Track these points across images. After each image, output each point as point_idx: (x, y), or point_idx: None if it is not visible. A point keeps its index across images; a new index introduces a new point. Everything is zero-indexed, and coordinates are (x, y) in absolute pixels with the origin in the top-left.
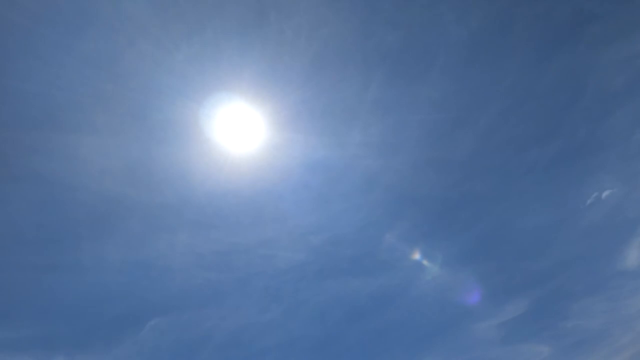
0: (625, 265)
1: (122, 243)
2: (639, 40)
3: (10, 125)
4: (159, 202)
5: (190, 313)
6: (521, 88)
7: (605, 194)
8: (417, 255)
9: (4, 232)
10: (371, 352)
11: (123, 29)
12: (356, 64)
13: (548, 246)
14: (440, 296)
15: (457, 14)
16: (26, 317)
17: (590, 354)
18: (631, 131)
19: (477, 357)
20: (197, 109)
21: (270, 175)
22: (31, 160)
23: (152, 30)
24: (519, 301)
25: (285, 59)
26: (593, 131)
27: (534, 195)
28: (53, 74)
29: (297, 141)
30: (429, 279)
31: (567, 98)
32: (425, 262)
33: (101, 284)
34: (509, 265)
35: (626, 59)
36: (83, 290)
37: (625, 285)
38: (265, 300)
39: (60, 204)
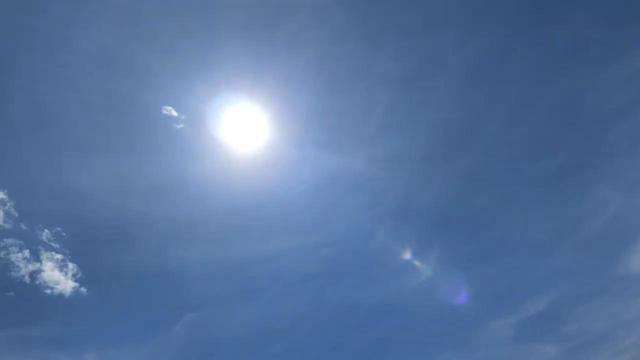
0: (628, 269)
1: (143, 253)
2: (635, 60)
3: (51, 149)
4: (178, 216)
5: (203, 318)
6: (522, 107)
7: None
8: (424, 263)
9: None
10: (387, 352)
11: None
12: (362, 92)
13: (553, 252)
14: (445, 298)
15: (456, 43)
16: (56, 316)
17: (593, 355)
18: (631, 144)
19: (486, 355)
20: (213, 128)
21: (284, 190)
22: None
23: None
24: (527, 303)
25: (296, 90)
26: (594, 145)
27: (540, 205)
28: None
29: (309, 159)
30: (431, 282)
31: (568, 115)
32: (429, 268)
33: (127, 288)
34: (513, 271)
35: (624, 78)
36: (107, 293)
37: (628, 289)
38: (278, 306)
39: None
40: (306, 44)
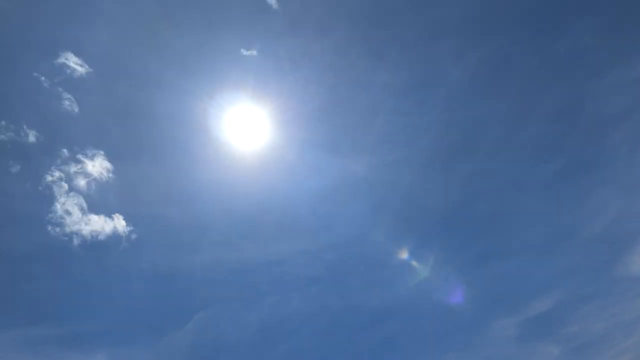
0: (628, 271)
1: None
2: (633, 66)
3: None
4: (185, 220)
5: (209, 320)
6: (522, 113)
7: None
8: (428, 266)
9: None
10: (392, 353)
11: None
12: (365, 100)
13: (555, 254)
14: (448, 300)
15: (456, 53)
16: (69, 315)
17: (595, 356)
18: (630, 148)
19: (489, 356)
20: (219, 133)
21: (289, 194)
22: None
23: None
24: (529, 304)
25: (302, 97)
26: (594, 149)
27: (542, 209)
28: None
29: (313, 164)
30: (435, 284)
31: (568, 120)
32: (432, 271)
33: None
34: (515, 273)
35: (622, 84)
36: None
37: (628, 290)
38: (282, 308)
39: None
40: (311, 55)
